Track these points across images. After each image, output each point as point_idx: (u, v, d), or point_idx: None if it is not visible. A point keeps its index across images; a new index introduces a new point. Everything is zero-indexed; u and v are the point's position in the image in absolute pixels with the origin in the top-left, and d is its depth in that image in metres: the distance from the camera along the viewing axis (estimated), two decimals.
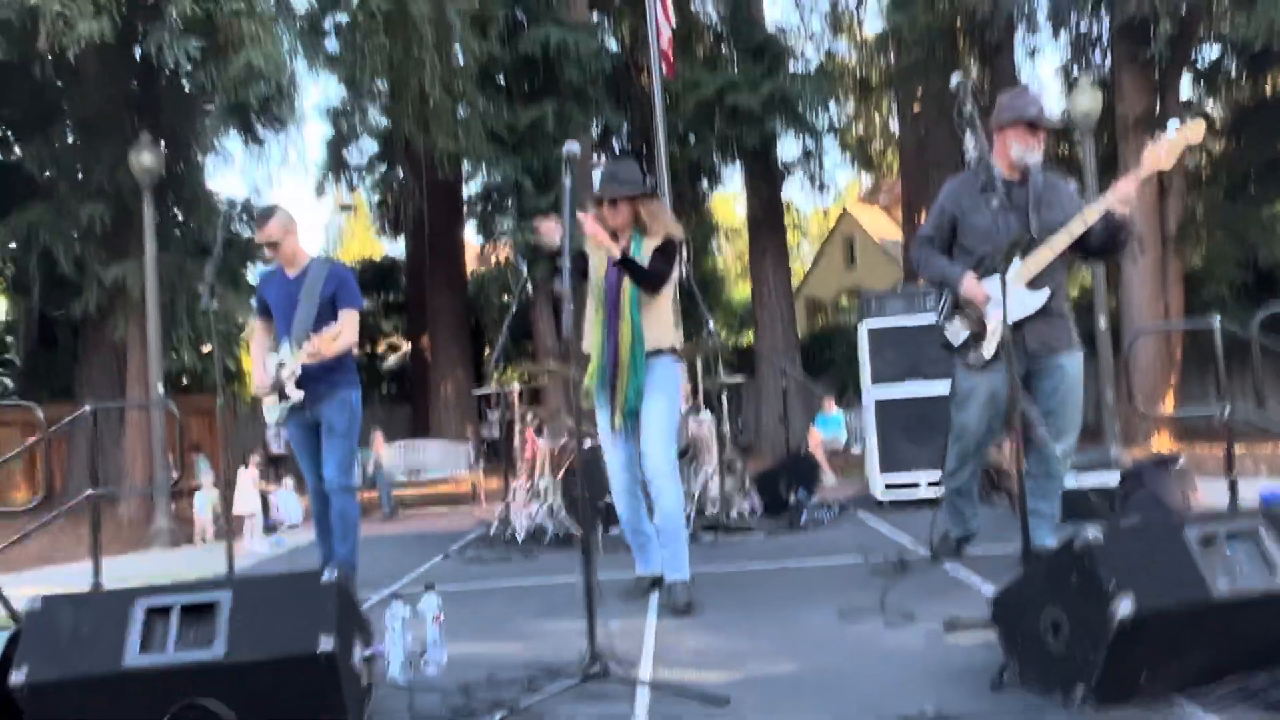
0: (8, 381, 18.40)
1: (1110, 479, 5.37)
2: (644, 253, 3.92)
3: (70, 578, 6.57)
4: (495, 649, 3.45)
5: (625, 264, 3.86)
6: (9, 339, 18.94)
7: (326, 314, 4.49)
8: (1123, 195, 3.79)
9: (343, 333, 4.44)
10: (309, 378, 4.47)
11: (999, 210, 3.87)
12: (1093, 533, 2.31)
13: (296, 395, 4.47)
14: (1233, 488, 4.28)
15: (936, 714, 2.31)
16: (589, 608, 2.90)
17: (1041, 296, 3.93)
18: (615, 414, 3.92)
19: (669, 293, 4.01)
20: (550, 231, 3.91)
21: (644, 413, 3.91)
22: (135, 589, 2.54)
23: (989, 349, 4.01)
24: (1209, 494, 5.90)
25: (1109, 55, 15.36)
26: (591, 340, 4.03)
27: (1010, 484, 6.24)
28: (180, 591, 2.50)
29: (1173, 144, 3.72)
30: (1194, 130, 3.76)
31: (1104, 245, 3.98)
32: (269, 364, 4.58)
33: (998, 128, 4.03)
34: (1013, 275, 3.92)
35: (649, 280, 3.91)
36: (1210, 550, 2.33)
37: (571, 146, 3.33)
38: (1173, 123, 3.86)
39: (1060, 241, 3.86)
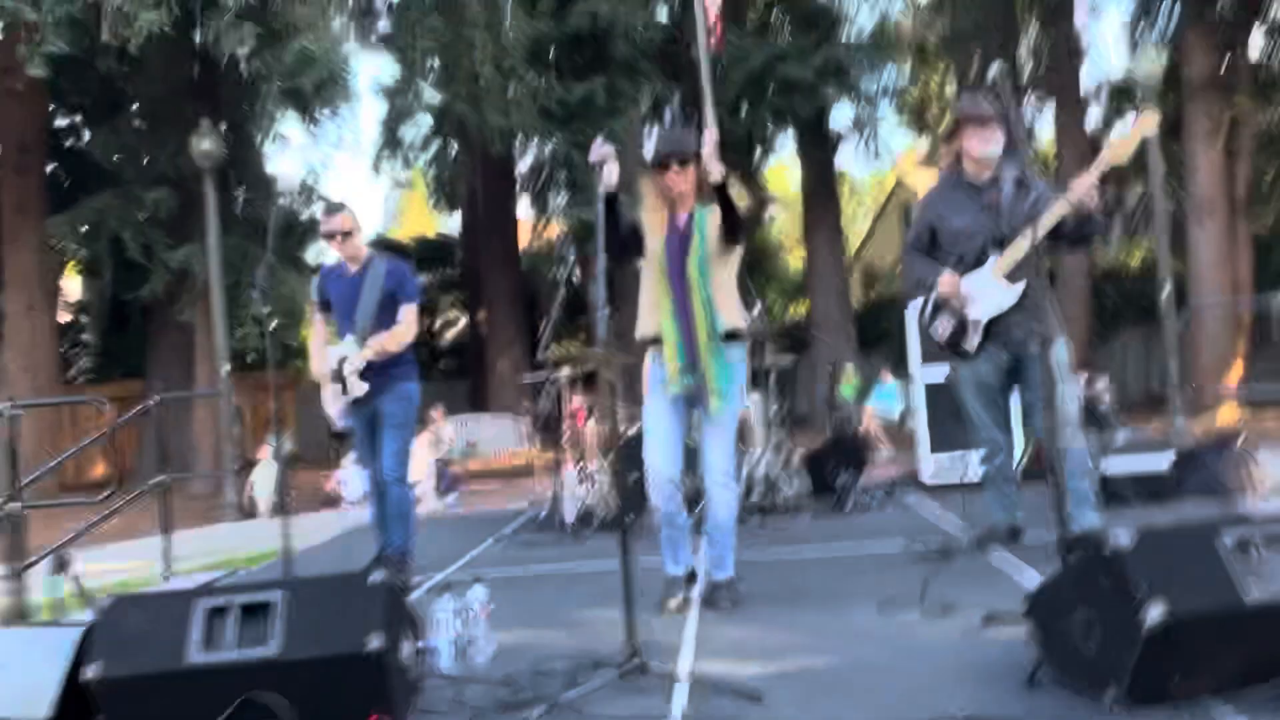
0: (84, 361, 19.12)
1: (1163, 461, 5.29)
2: (709, 226, 3.72)
3: (144, 553, 6.88)
4: (542, 637, 3.57)
5: (724, 196, 3.58)
6: (84, 319, 19.66)
7: (387, 308, 4.66)
8: (1082, 190, 3.87)
9: (406, 329, 4.66)
10: (370, 370, 4.62)
11: (974, 212, 4.14)
12: (1123, 536, 2.32)
13: (360, 389, 4.61)
14: None
15: (966, 717, 2.34)
16: (627, 600, 2.98)
17: (1017, 290, 4.05)
18: (711, 398, 3.69)
19: (735, 264, 3.83)
20: (605, 156, 3.51)
21: (711, 414, 3.75)
22: (196, 589, 2.68)
23: (973, 341, 4.18)
24: (1274, 470, 5.79)
25: (1174, 13, 14.84)
26: (659, 321, 3.75)
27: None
28: (238, 592, 2.63)
29: (1128, 139, 3.89)
30: (1148, 122, 4.01)
31: (1073, 236, 4.05)
32: (330, 357, 4.74)
33: (956, 132, 4.23)
34: (989, 270, 4.10)
35: (741, 225, 3.69)
36: (1244, 556, 2.33)
37: (610, 176, 3.42)
38: (1129, 116, 4.00)
39: (1029, 237, 3.93)
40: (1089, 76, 17.22)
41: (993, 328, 4.15)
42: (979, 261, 4.15)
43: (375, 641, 2.48)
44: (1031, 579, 3.76)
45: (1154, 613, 2.21)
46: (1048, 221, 3.89)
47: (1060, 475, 3.59)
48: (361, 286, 4.70)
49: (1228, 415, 12.75)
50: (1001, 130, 4.08)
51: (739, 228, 3.72)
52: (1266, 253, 14.74)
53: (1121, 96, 16.97)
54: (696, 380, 3.70)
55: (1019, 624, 2.84)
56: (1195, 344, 13.38)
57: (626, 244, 3.84)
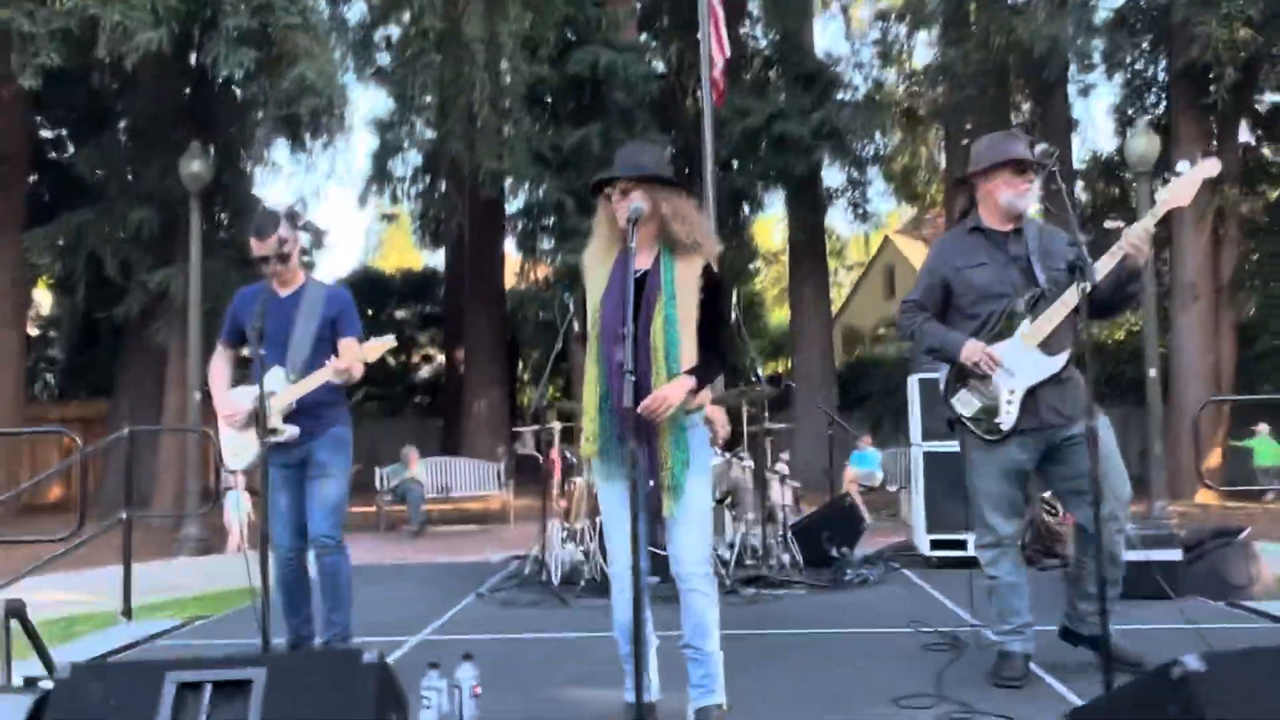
0: (50, 378, 18.63)
1: (1171, 554, 5.13)
2: (678, 277, 2.97)
3: (101, 585, 6.54)
4: (531, 715, 3.33)
5: (704, 373, 2.97)
6: (53, 335, 19.20)
7: (326, 340, 3.93)
8: (1138, 238, 3.36)
9: (367, 352, 3.85)
10: (300, 411, 3.88)
11: (998, 266, 3.61)
12: (1194, 661, 2.13)
13: (290, 431, 3.86)
14: None
15: None
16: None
17: (1059, 360, 3.51)
18: (666, 497, 2.93)
19: (695, 331, 3.02)
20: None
21: (678, 495, 2.95)
22: (168, 660, 2.43)
23: (1007, 420, 3.56)
24: (1271, 565, 5.66)
25: (1166, 98, 15.09)
26: (589, 391, 3.02)
27: (1064, 549, 6.02)
28: (213, 667, 2.38)
29: (1189, 181, 3.42)
30: (1209, 166, 3.48)
31: (1112, 298, 3.54)
32: (243, 395, 3.96)
33: (980, 175, 3.66)
34: (1020, 336, 3.54)
35: (724, 367, 3.09)
36: None
37: (637, 207, 2.89)
38: (1183, 163, 3.61)
39: (1074, 295, 3.38)
40: (1079, 152, 17.48)
41: (1027, 405, 3.54)
42: (1007, 324, 3.58)
43: None
44: (1049, 678, 3.58)
45: None
46: (1101, 271, 3.37)
47: (1103, 585, 3.23)
48: (295, 313, 3.97)
49: (1207, 498, 12.72)
50: (1037, 185, 3.63)
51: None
52: (1249, 340, 14.84)
53: (1110, 173, 17.24)
54: (624, 470, 2.87)
55: None
56: (1175, 429, 13.37)
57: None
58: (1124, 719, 2.31)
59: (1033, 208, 3.70)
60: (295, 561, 4.01)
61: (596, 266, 3.09)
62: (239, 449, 3.96)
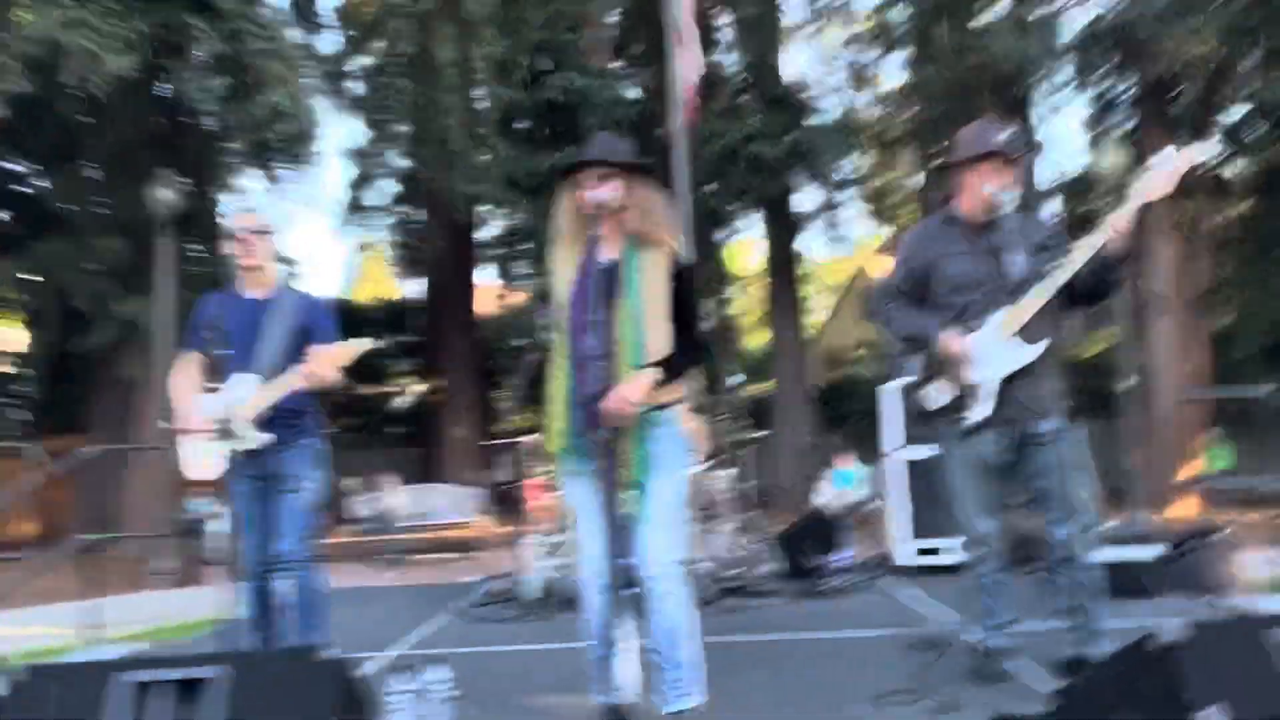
0: (20, 413, 18.32)
1: (1152, 552, 5.12)
2: (643, 271, 2.91)
3: (65, 617, 6.37)
4: None
5: (675, 365, 2.90)
6: (26, 372, 18.89)
7: (298, 346, 3.77)
8: (1119, 226, 3.26)
9: (343, 354, 3.68)
10: (270, 420, 3.72)
11: (975, 256, 3.53)
12: (1174, 632, 2.10)
13: (261, 439, 3.69)
14: None
15: None
16: None
17: (1036, 349, 3.42)
18: (628, 497, 2.86)
19: (668, 320, 2.94)
20: None
21: (647, 493, 2.89)
22: (126, 659, 2.35)
23: (979, 411, 3.49)
24: (1249, 565, 5.65)
25: (1134, 113, 15.30)
26: (556, 385, 2.97)
27: (1043, 552, 5.99)
28: (173, 666, 2.31)
29: (1169, 171, 3.23)
30: (1196, 151, 3.34)
31: (1092, 288, 3.43)
32: (210, 403, 3.75)
33: (964, 164, 3.55)
34: (996, 325, 3.45)
35: (697, 358, 3.03)
36: None
37: (604, 195, 2.88)
38: (1169, 149, 3.33)
39: (1051, 284, 3.34)
40: (1044, 171, 17.68)
41: (1001, 396, 3.45)
42: (983, 315, 3.48)
43: None
44: (1034, 674, 3.54)
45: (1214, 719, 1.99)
46: (1077, 260, 3.30)
47: (1079, 594, 3.24)
48: (266, 317, 3.81)
49: (1187, 509, 12.77)
50: (1019, 177, 3.56)
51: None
52: (1224, 349, 14.97)
53: (1077, 192, 17.44)
54: (588, 465, 2.88)
55: None
56: (1152, 437, 13.43)
57: None
58: (1104, 695, 2.27)
59: (1012, 203, 3.52)
60: (264, 577, 3.83)
61: (563, 260, 3.03)
62: (203, 458, 3.78)
